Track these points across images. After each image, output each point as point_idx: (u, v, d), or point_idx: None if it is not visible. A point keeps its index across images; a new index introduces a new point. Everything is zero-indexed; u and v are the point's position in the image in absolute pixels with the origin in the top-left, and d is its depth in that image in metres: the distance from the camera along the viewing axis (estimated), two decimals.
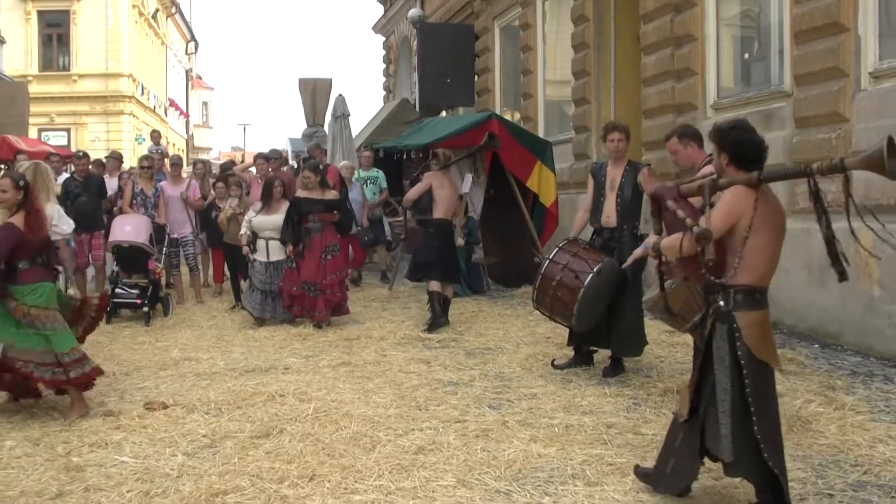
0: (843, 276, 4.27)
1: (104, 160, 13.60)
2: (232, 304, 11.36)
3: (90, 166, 11.93)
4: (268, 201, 10.25)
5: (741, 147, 4.29)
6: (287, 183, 11.31)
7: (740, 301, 4.21)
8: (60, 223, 7.48)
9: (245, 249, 10.29)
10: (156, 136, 20.57)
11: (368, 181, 13.79)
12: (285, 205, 10.16)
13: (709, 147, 4.90)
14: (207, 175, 14.32)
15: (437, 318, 9.51)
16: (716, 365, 4.27)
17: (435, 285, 9.68)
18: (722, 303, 4.26)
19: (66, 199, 10.81)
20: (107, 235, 11.18)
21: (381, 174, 13.96)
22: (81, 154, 12.12)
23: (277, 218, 10.06)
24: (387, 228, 14.08)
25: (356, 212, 12.94)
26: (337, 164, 15.10)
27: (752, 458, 4.19)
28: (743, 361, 4.18)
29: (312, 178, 10.05)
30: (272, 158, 13.30)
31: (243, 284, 11.16)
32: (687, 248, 4.24)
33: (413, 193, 10.42)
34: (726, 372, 4.22)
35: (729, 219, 4.20)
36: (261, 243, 10.19)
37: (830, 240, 4.32)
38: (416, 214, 11.34)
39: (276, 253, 10.10)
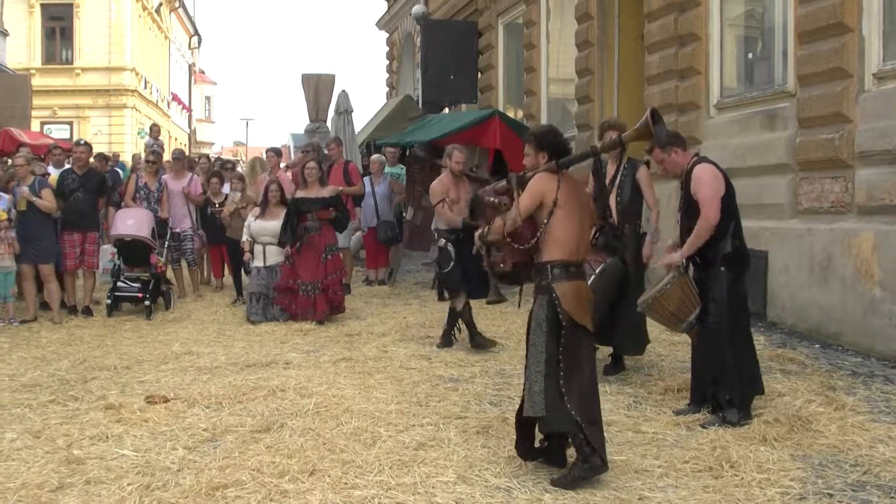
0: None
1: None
2: (233, 298, 11.37)
3: (91, 159, 11.50)
4: (265, 206, 10.30)
5: (557, 148, 5.02)
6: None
7: (557, 274, 4.84)
8: None
9: (247, 256, 10.34)
10: (155, 130, 20.56)
11: (392, 177, 13.79)
12: (282, 210, 10.18)
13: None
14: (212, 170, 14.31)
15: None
16: (533, 330, 4.89)
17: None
18: (540, 278, 4.89)
19: (61, 193, 10.28)
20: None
21: (404, 171, 13.91)
22: (83, 142, 11.48)
23: (275, 224, 10.09)
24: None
25: (382, 206, 12.99)
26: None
27: (560, 411, 4.73)
28: (564, 324, 4.79)
29: (316, 169, 10.09)
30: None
31: (245, 279, 11.13)
32: (507, 227, 4.86)
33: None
34: (542, 337, 4.82)
35: (535, 198, 4.85)
36: (258, 249, 10.25)
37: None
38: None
39: (273, 257, 10.15)
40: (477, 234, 5.19)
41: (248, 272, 10.67)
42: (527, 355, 4.94)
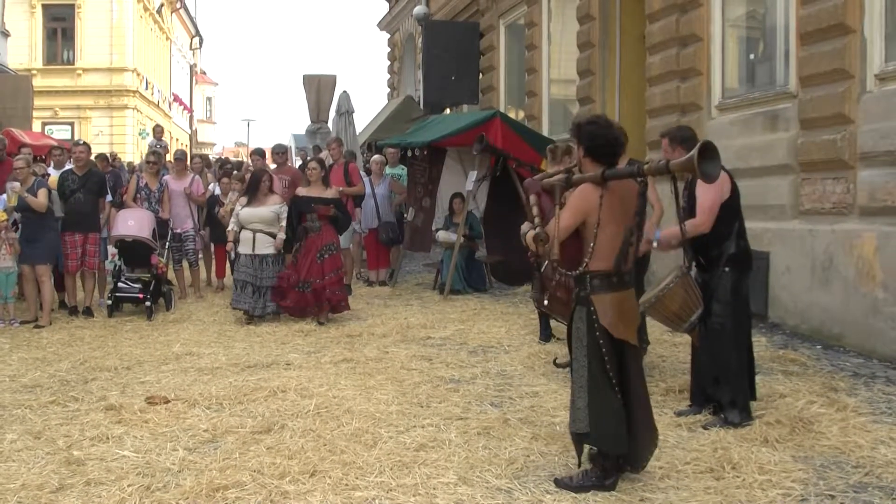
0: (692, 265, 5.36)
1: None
2: None
3: (90, 158, 11.30)
4: (255, 194, 10.18)
5: (595, 141, 4.66)
6: (291, 180, 11.36)
7: (597, 285, 4.60)
8: None
9: (229, 246, 10.23)
10: (158, 131, 20.59)
11: (392, 178, 13.77)
12: (272, 198, 10.15)
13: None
14: (205, 170, 14.33)
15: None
16: (574, 344, 4.70)
17: None
18: (579, 289, 4.67)
19: (61, 194, 10.24)
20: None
21: (405, 171, 13.90)
22: (81, 142, 11.42)
23: (264, 211, 10.02)
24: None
25: (382, 207, 12.98)
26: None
27: (608, 429, 4.57)
28: (601, 341, 4.56)
29: (318, 170, 10.07)
30: (278, 153, 12.96)
31: None
32: (529, 244, 4.74)
33: None
34: (583, 350, 4.61)
35: (577, 216, 4.60)
36: (246, 235, 10.03)
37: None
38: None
39: (263, 246, 10.00)
40: (528, 231, 4.88)
41: (231, 261, 10.54)
42: (571, 366, 4.77)
